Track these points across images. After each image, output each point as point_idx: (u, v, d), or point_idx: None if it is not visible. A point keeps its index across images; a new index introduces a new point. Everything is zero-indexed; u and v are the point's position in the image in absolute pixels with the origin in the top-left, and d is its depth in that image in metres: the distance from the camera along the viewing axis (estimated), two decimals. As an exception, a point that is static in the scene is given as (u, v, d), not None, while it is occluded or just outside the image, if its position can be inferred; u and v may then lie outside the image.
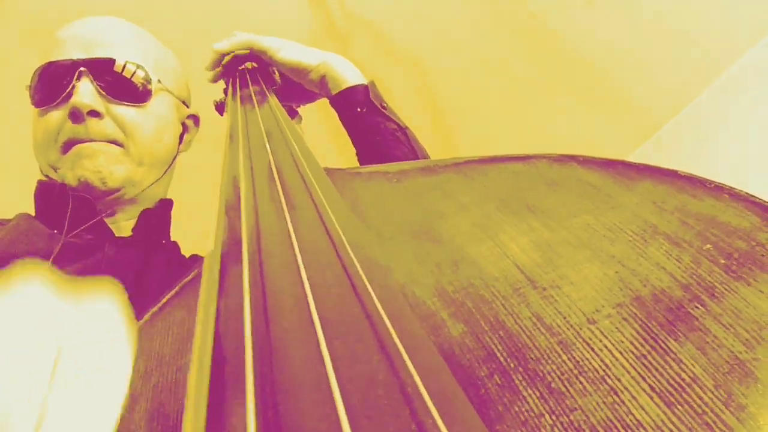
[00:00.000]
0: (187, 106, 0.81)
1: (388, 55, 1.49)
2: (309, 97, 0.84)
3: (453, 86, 1.52)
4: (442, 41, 1.46)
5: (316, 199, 0.29)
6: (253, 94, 0.66)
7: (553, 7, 1.41)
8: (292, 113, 0.88)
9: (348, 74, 0.76)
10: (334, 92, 0.77)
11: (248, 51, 0.80)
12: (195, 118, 0.82)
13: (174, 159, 0.77)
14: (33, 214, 0.69)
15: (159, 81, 0.72)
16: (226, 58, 0.81)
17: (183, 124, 0.79)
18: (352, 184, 0.39)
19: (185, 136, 0.80)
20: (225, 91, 0.83)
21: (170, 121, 0.75)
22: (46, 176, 0.70)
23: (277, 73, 0.82)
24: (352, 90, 0.75)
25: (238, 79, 0.76)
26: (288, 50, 0.78)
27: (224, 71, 0.82)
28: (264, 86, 0.71)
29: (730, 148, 1.23)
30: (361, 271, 0.23)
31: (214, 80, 0.84)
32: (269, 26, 1.42)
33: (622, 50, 1.40)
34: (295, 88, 0.82)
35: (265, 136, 0.44)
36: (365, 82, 0.77)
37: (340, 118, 0.78)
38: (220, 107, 0.84)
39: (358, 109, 0.75)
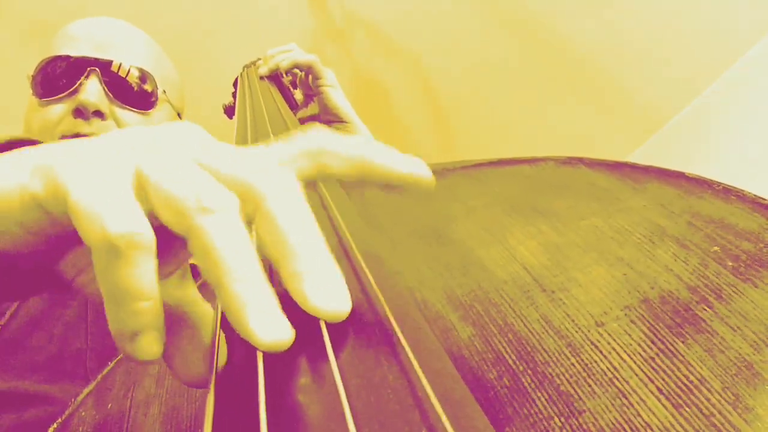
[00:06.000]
0: (180, 118, 0.81)
1: (388, 54, 1.49)
2: None
3: (453, 86, 1.52)
4: (442, 41, 1.46)
5: (325, 203, 0.29)
6: (261, 98, 0.66)
7: (553, 6, 1.41)
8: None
9: None
10: None
11: (305, 67, 0.77)
12: None
13: None
14: None
15: (164, 92, 0.72)
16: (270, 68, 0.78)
17: None
18: (360, 188, 0.39)
19: None
20: (233, 95, 0.83)
21: None
22: None
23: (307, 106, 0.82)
24: None
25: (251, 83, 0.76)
26: (339, 93, 0.79)
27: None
28: (275, 93, 0.70)
29: (732, 147, 1.23)
30: (369, 275, 0.23)
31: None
32: (269, 26, 1.42)
33: (623, 49, 1.40)
34: None
35: (273, 139, 0.44)
36: None
37: None
38: (229, 110, 0.84)
39: None
